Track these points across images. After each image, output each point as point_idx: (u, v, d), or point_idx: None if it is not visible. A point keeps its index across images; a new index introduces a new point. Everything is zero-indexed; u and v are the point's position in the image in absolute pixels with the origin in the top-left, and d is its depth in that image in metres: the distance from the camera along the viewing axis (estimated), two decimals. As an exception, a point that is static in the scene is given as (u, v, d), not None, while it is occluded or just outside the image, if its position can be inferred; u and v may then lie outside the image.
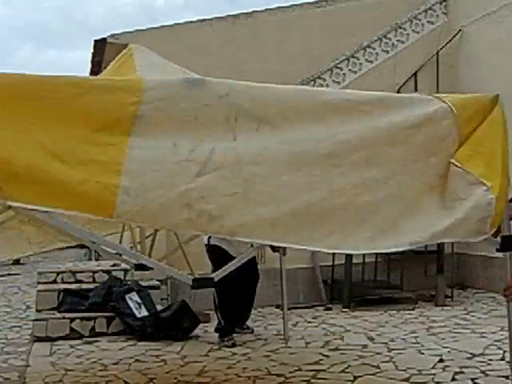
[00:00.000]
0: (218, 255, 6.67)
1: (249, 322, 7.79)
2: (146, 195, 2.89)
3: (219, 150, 3.02)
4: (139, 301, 7.38)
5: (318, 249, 3.29)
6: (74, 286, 7.99)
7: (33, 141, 2.83)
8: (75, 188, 2.84)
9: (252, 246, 7.04)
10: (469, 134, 3.49)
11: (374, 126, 3.27)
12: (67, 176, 2.84)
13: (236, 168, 3.02)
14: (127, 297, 7.37)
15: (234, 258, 6.14)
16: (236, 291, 6.70)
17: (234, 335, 6.88)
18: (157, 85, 3.09)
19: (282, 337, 6.91)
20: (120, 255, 5.82)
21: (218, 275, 4.00)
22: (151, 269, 5.26)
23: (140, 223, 3.08)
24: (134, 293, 7.47)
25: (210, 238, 6.85)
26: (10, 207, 4.04)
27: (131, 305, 7.29)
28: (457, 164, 3.43)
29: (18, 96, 2.88)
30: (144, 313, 7.26)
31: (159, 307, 7.52)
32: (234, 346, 6.68)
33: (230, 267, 4.22)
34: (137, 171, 2.89)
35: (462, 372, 5.28)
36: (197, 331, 7.23)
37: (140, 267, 5.05)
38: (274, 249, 6.92)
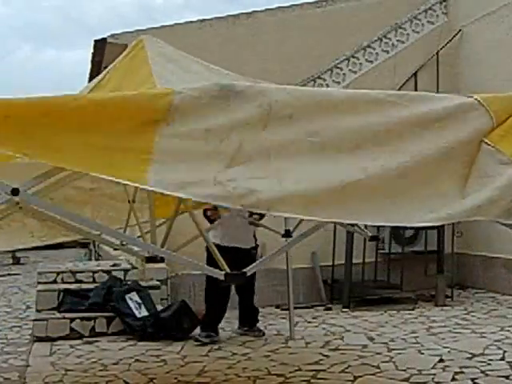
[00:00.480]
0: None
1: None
2: (176, 173, 2.89)
3: (248, 142, 3.00)
4: (139, 301, 7.38)
5: (354, 221, 3.36)
6: (73, 286, 7.99)
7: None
8: (108, 155, 2.89)
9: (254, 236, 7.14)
10: (502, 122, 3.52)
11: (402, 116, 3.30)
12: (103, 145, 2.89)
13: (265, 161, 3.01)
14: (127, 297, 7.37)
15: (225, 249, 6.27)
16: (222, 286, 6.59)
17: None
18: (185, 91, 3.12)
19: (282, 336, 6.91)
20: (124, 245, 5.78)
21: (250, 270, 3.96)
22: (162, 261, 5.25)
23: (173, 192, 3.04)
24: (134, 293, 7.47)
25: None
26: (17, 203, 4.07)
27: (131, 305, 7.29)
28: (488, 142, 3.45)
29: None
30: (144, 313, 7.26)
31: (159, 307, 7.52)
32: (213, 342, 6.72)
33: (261, 263, 4.26)
34: (168, 155, 2.91)
35: (462, 372, 5.28)
36: (197, 331, 7.23)
37: (151, 259, 5.02)
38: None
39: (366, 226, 5.63)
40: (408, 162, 3.25)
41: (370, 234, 5.61)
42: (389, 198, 3.21)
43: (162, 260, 5.16)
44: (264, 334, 7.13)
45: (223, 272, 3.56)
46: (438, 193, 3.33)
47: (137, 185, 3.10)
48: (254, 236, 7.26)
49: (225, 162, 2.96)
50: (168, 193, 3.01)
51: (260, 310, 7.51)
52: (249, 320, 7.24)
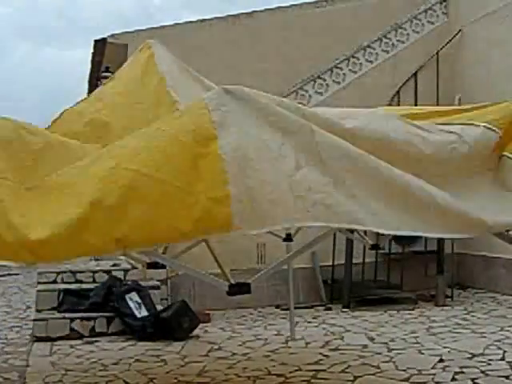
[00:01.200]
0: None
1: (249, 322, 7.80)
2: (255, 197, 2.87)
3: (301, 147, 3.04)
4: (139, 301, 7.38)
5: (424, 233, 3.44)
6: (73, 286, 7.99)
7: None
8: (191, 214, 2.84)
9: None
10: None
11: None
12: (179, 201, 2.87)
13: (320, 163, 3.06)
14: (127, 297, 7.36)
15: None
16: None
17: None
18: (215, 96, 3.13)
19: (282, 337, 6.91)
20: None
21: (254, 280, 3.91)
22: (164, 267, 5.20)
23: (260, 229, 2.97)
24: (134, 293, 7.46)
25: None
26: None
27: (131, 305, 7.29)
28: (510, 156, 3.57)
29: None
30: (144, 313, 7.26)
31: (159, 307, 7.52)
32: None
33: (266, 273, 4.18)
34: (240, 175, 2.87)
35: (462, 372, 5.28)
36: (197, 331, 7.23)
37: (152, 266, 4.98)
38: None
39: (365, 233, 5.64)
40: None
41: (371, 243, 5.61)
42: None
43: (163, 266, 5.11)
44: None
45: (227, 283, 3.52)
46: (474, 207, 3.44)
47: (224, 233, 3.02)
48: None
49: (292, 164, 2.98)
50: (255, 232, 3.00)
51: (260, 310, 7.50)
52: None
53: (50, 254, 2.78)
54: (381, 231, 3.25)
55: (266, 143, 2.98)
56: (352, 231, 5.98)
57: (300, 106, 3.39)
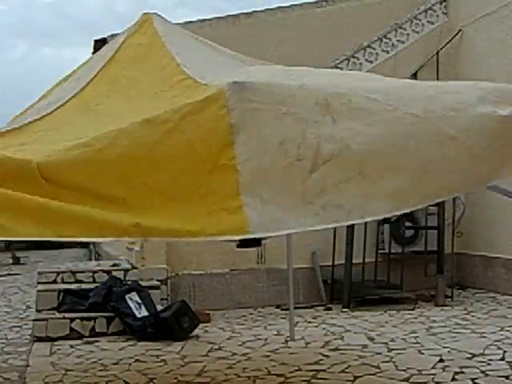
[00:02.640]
0: None
1: (249, 322, 7.80)
2: (268, 206, 2.92)
3: (324, 139, 3.01)
4: (139, 301, 7.37)
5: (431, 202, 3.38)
6: (74, 286, 7.99)
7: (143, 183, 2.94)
8: (205, 217, 2.90)
9: None
10: None
11: None
12: (192, 210, 2.91)
13: (345, 153, 3.02)
14: (127, 297, 7.36)
15: None
16: None
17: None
18: (235, 91, 3.09)
19: (282, 337, 6.91)
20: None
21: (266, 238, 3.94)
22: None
23: (274, 234, 3.09)
24: (135, 293, 7.46)
25: None
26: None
27: (131, 305, 7.28)
28: None
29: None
30: (144, 313, 7.25)
31: (159, 307, 7.51)
32: None
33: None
34: (253, 185, 2.92)
35: (462, 372, 5.28)
36: (197, 331, 7.23)
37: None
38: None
39: None
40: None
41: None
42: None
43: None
44: None
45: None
46: None
47: (240, 237, 3.13)
48: None
49: (308, 166, 2.97)
50: (270, 235, 3.05)
51: (260, 310, 7.50)
52: None
53: None
54: (396, 213, 3.26)
55: (284, 147, 2.97)
56: None
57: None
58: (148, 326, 7.08)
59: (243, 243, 3.67)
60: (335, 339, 6.73)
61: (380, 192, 3.05)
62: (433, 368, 5.44)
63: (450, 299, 8.62)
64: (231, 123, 2.96)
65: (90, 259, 16.50)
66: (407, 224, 9.22)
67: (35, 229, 2.85)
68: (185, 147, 3.01)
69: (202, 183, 2.93)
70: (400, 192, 3.08)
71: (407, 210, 3.28)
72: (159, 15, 5.02)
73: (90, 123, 3.79)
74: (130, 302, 7.30)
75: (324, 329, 7.29)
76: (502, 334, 6.55)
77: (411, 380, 5.14)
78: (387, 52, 9.87)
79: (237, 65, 4.68)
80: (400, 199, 3.09)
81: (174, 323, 7.07)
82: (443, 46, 9.91)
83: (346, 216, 3.02)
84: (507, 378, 5.06)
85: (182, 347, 6.66)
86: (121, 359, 6.24)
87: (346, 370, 5.50)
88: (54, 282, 8.22)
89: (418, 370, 5.36)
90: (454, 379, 5.11)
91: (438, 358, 5.71)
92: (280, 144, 2.98)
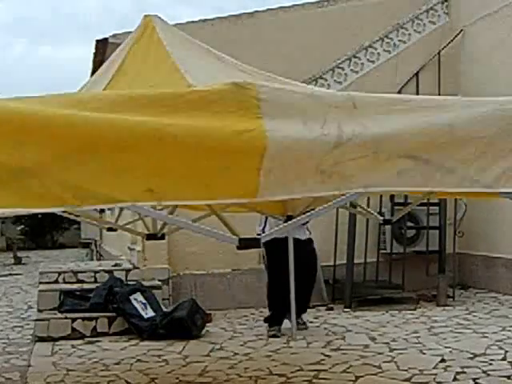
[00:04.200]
0: (270, 249, 6.97)
1: (250, 322, 7.79)
2: (285, 172, 3.00)
3: (345, 123, 3.09)
4: (144, 301, 7.35)
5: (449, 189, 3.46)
6: (75, 286, 8.00)
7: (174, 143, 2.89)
8: (219, 176, 2.94)
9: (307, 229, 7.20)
10: None
11: None
12: (209, 167, 2.92)
13: (364, 133, 3.10)
14: (132, 298, 7.34)
15: (286, 248, 6.74)
16: (285, 278, 6.88)
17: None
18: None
19: (283, 336, 6.91)
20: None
21: (265, 237, 3.98)
22: (163, 238, 5.32)
23: (279, 197, 3.26)
24: (139, 293, 7.44)
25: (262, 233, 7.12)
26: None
27: (137, 306, 7.25)
28: None
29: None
30: (151, 313, 7.23)
31: (162, 307, 7.50)
32: (274, 336, 6.91)
33: (279, 231, 4.28)
34: (277, 153, 2.97)
35: (464, 372, 5.28)
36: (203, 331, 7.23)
37: (152, 237, 5.15)
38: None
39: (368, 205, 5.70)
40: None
41: (382, 218, 5.64)
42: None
43: (162, 237, 5.22)
44: (307, 328, 7.21)
45: (236, 237, 3.57)
46: None
47: (249, 200, 3.20)
48: (308, 230, 7.35)
49: (332, 142, 3.05)
50: (276, 199, 3.13)
51: (261, 309, 7.50)
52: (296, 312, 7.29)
53: None
54: (398, 190, 3.35)
55: (308, 126, 3.04)
56: (355, 206, 6.08)
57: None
58: (159, 327, 7.03)
59: (243, 245, 3.68)
60: (337, 339, 6.73)
61: (388, 169, 3.16)
62: (434, 368, 5.43)
63: (451, 299, 8.62)
64: (260, 98, 3.01)
65: (92, 259, 16.52)
66: (409, 224, 9.23)
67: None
68: (210, 116, 3.02)
69: (231, 138, 2.94)
70: (407, 172, 3.19)
71: (410, 190, 3.40)
72: (159, 17, 5.01)
73: None
74: (134, 303, 7.28)
75: (325, 329, 7.29)
76: (503, 334, 6.54)
77: (413, 380, 5.14)
78: (389, 52, 9.87)
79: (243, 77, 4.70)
80: (405, 178, 3.20)
81: (190, 322, 7.05)
82: (445, 46, 9.91)
83: (349, 185, 3.13)
84: (509, 377, 5.06)
85: (184, 347, 6.66)
86: (122, 359, 6.24)
87: (348, 370, 5.50)
88: (56, 282, 8.23)
89: (420, 370, 5.36)
90: (455, 379, 5.11)
91: (439, 358, 5.71)
92: (304, 123, 3.05)
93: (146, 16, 4.96)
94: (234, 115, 2.96)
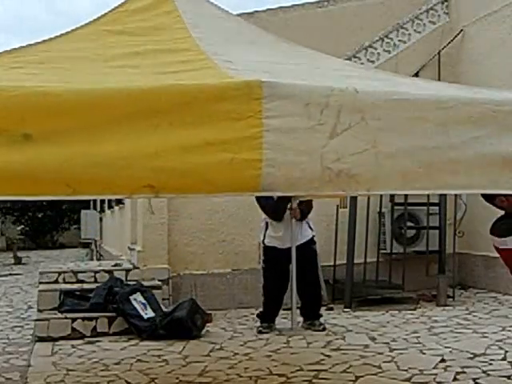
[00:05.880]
0: (271, 256, 7.19)
1: (250, 322, 7.79)
2: (288, 164, 2.96)
3: (345, 108, 3.05)
4: (144, 301, 7.35)
5: (450, 191, 3.47)
6: (75, 286, 7.99)
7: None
8: (220, 171, 2.90)
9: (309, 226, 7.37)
10: None
11: None
12: (210, 162, 2.88)
13: (361, 124, 3.07)
14: (131, 298, 7.33)
15: (284, 254, 6.96)
16: (279, 283, 7.18)
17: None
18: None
19: (283, 336, 6.91)
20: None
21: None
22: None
23: (283, 192, 3.25)
24: (139, 293, 7.43)
25: (264, 239, 7.30)
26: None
27: (137, 306, 7.25)
28: None
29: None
30: (150, 313, 7.22)
31: (162, 307, 7.49)
32: (260, 332, 7.10)
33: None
34: (276, 141, 2.93)
35: (464, 372, 5.28)
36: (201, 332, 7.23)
37: None
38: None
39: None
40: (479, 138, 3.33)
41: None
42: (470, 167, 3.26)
43: None
44: (325, 329, 7.18)
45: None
46: None
47: (251, 194, 3.18)
48: (310, 227, 7.37)
49: (328, 132, 3.02)
50: (280, 194, 3.12)
51: (260, 310, 7.49)
52: (308, 311, 7.35)
53: None
54: (401, 192, 3.29)
55: (309, 109, 3.00)
56: (355, 198, 6.17)
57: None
58: (159, 327, 7.03)
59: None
60: (337, 339, 6.73)
61: (390, 168, 3.11)
62: (434, 368, 5.43)
63: (451, 299, 8.63)
64: (263, 81, 2.97)
65: (92, 259, 16.52)
66: (409, 224, 9.23)
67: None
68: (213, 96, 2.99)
69: (230, 126, 2.91)
70: (410, 173, 3.13)
71: (414, 193, 3.33)
72: None
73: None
74: (134, 303, 7.28)
75: (325, 329, 7.28)
76: (503, 334, 6.54)
77: (413, 380, 5.14)
78: (389, 52, 9.87)
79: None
80: (408, 180, 3.15)
81: (189, 322, 7.05)
82: (445, 46, 9.91)
83: (354, 187, 3.09)
84: (509, 377, 5.06)
85: (184, 347, 6.65)
86: (122, 359, 6.24)
87: (348, 370, 5.50)
88: (56, 282, 8.23)
89: (420, 370, 5.36)
90: (455, 379, 5.11)
91: (439, 358, 5.71)
92: (306, 105, 3.00)
93: None
94: (234, 103, 2.92)
